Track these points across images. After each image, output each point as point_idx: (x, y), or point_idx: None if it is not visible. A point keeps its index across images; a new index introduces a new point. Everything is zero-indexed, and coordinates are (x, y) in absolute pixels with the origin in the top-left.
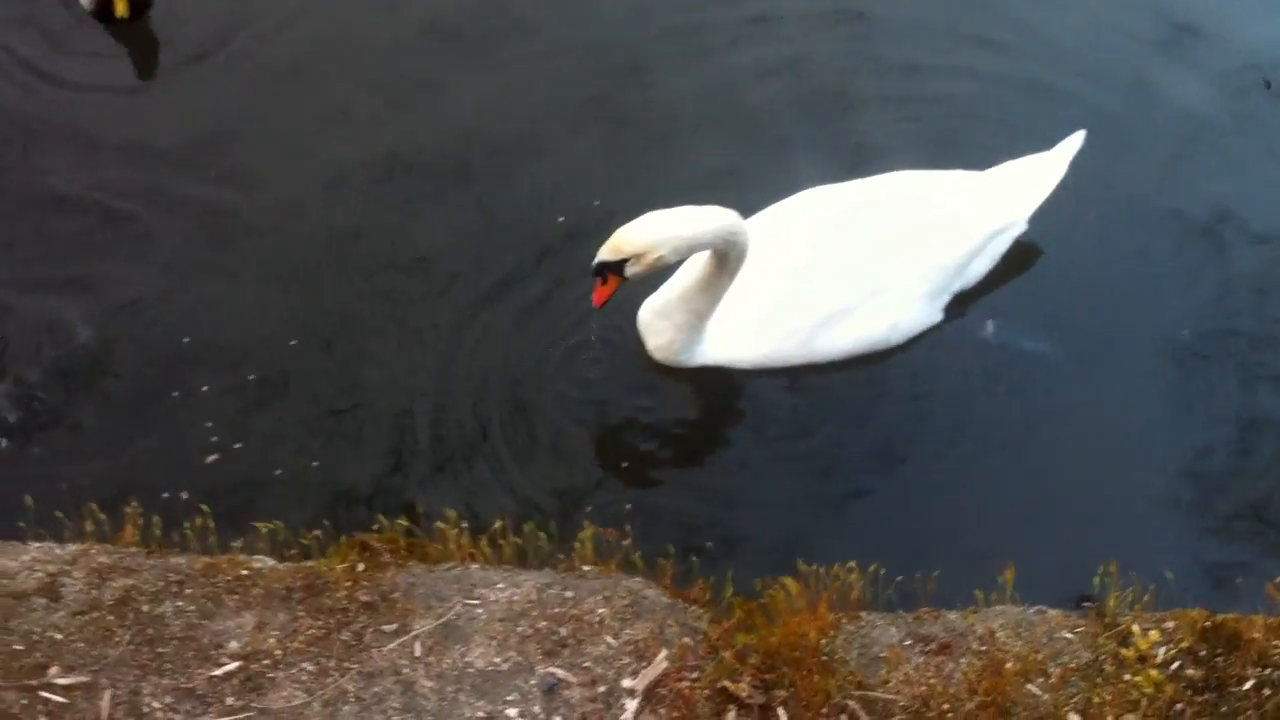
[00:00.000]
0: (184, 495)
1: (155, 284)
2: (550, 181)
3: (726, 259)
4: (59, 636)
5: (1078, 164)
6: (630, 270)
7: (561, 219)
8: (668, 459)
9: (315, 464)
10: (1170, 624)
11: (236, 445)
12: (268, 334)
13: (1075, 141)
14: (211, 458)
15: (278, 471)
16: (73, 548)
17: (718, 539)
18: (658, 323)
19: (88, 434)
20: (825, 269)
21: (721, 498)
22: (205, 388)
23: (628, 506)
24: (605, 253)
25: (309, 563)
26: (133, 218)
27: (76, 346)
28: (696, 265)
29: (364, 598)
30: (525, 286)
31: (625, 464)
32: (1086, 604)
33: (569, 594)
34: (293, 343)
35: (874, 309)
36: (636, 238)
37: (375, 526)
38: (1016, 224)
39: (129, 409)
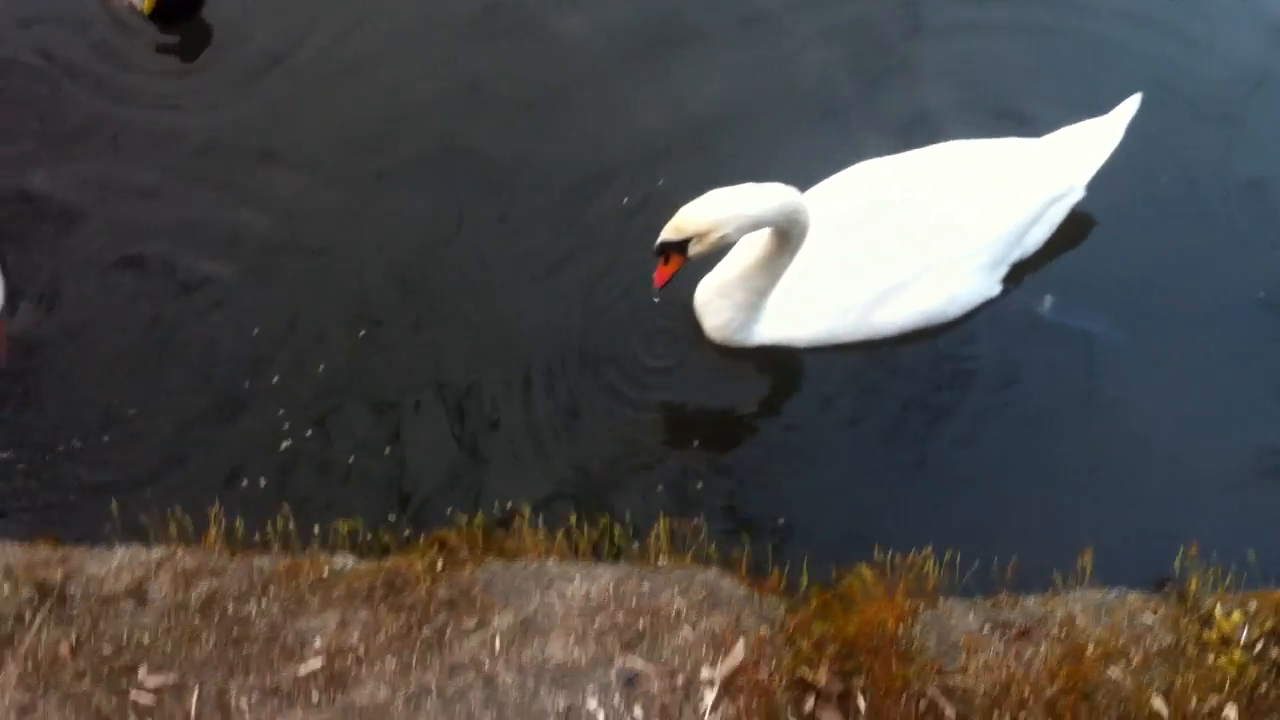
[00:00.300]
0: (262, 482)
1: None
2: (610, 160)
3: (789, 237)
4: (147, 639)
5: (1135, 128)
6: (693, 249)
7: (626, 199)
8: (735, 443)
9: (388, 452)
10: (1253, 605)
11: (308, 435)
12: (331, 325)
13: (1132, 105)
14: (284, 445)
15: (350, 460)
16: (159, 551)
17: (790, 526)
18: (717, 301)
19: (165, 436)
20: (880, 243)
21: (791, 482)
22: (275, 379)
23: (699, 486)
24: (669, 232)
25: (388, 560)
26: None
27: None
28: (755, 244)
29: (443, 594)
30: (589, 268)
31: (695, 446)
32: (1167, 586)
33: (645, 587)
34: (361, 333)
35: (931, 282)
36: (700, 217)
37: (450, 521)
38: (1074, 191)
39: (204, 404)
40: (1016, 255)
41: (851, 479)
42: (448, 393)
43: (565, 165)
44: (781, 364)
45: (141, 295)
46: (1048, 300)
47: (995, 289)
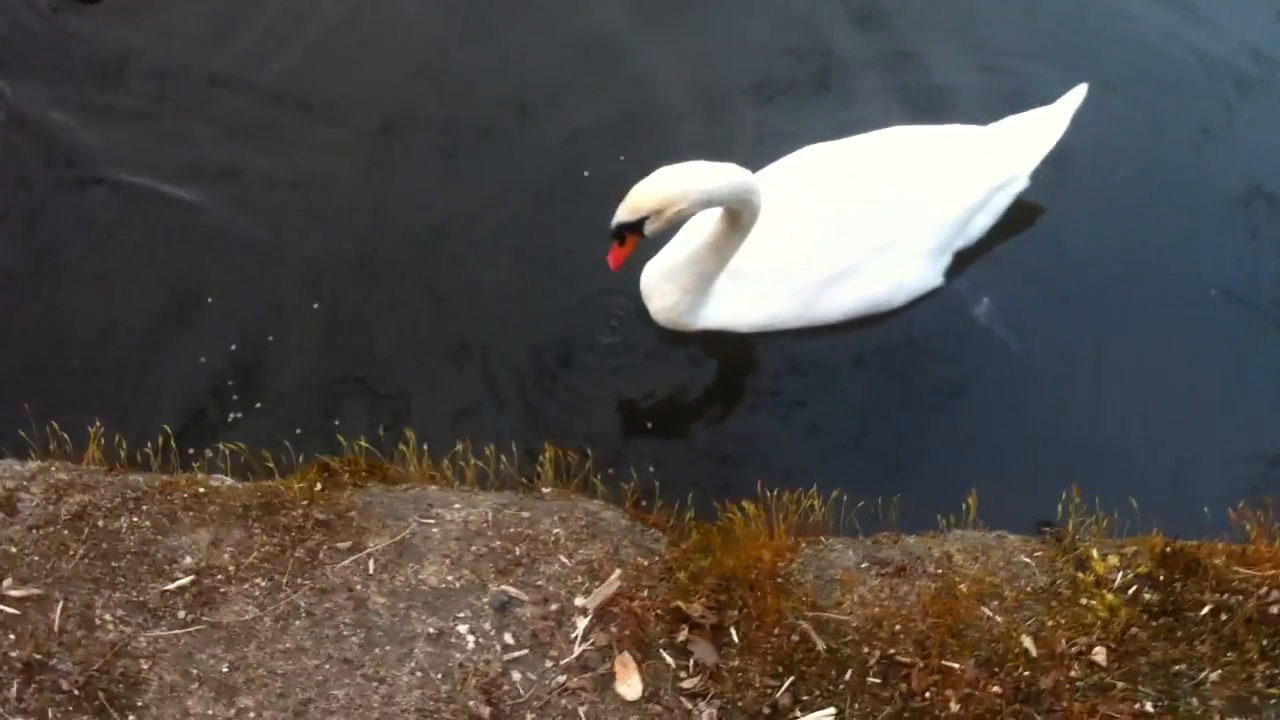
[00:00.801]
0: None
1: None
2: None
3: (739, 219)
4: (14, 550)
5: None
6: (650, 227)
7: (586, 173)
8: (653, 409)
9: (288, 384)
10: (1130, 550)
11: (204, 363)
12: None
13: (1077, 95)
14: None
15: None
16: (33, 464)
17: (680, 464)
18: (664, 284)
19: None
20: (826, 229)
21: (688, 429)
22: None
23: (592, 420)
24: (624, 213)
25: (268, 483)
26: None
27: None
28: (703, 227)
29: (320, 516)
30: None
31: (604, 394)
32: (1046, 529)
33: (525, 514)
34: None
35: (877, 268)
36: (656, 191)
37: (336, 447)
38: (1018, 179)
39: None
40: (960, 243)
41: (751, 431)
42: (361, 328)
43: None
44: (720, 346)
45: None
46: (984, 302)
47: (938, 279)
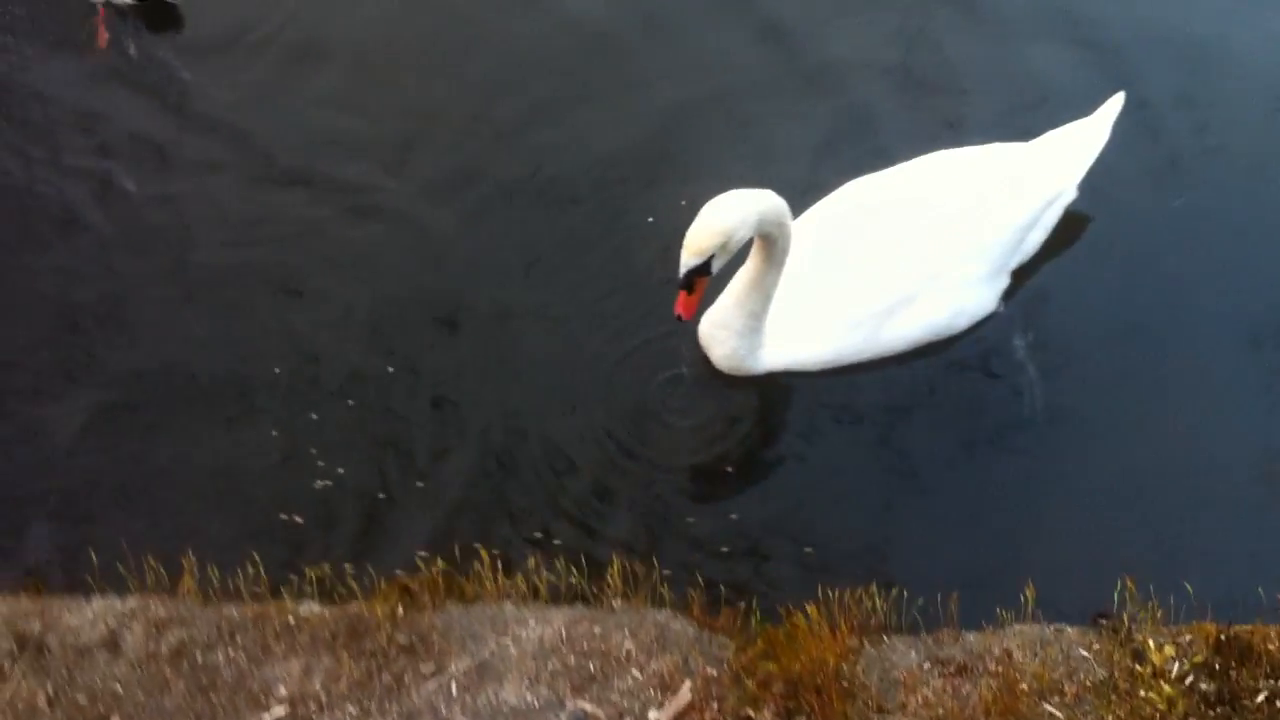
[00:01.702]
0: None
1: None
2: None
3: (774, 248)
4: (119, 688)
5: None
6: (717, 264)
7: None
8: (701, 488)
9: (359, 497)
10: (1186, 638)
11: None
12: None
13: (1116, 104)
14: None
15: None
16: (132, 601)
17: (744, 565)
18: (719, 333)
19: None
20: (882, 258)
21: (744, 524)
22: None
23: (657, 526)
24: (690, 257)
25: (352, 606)
26: None
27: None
28: (744, 270)
29: (402, 640)
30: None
31: (661, 489)
32: (1102, 620)
33: (597, 629)
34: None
35: (937, 294)
36: (715, 226)
37: (416, 566)
38: (1067, 192)
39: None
40: (1017, 261)
41: (806, 518)
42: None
43: None
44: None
45: None
46: (1019, 341)
47: (996, 302)
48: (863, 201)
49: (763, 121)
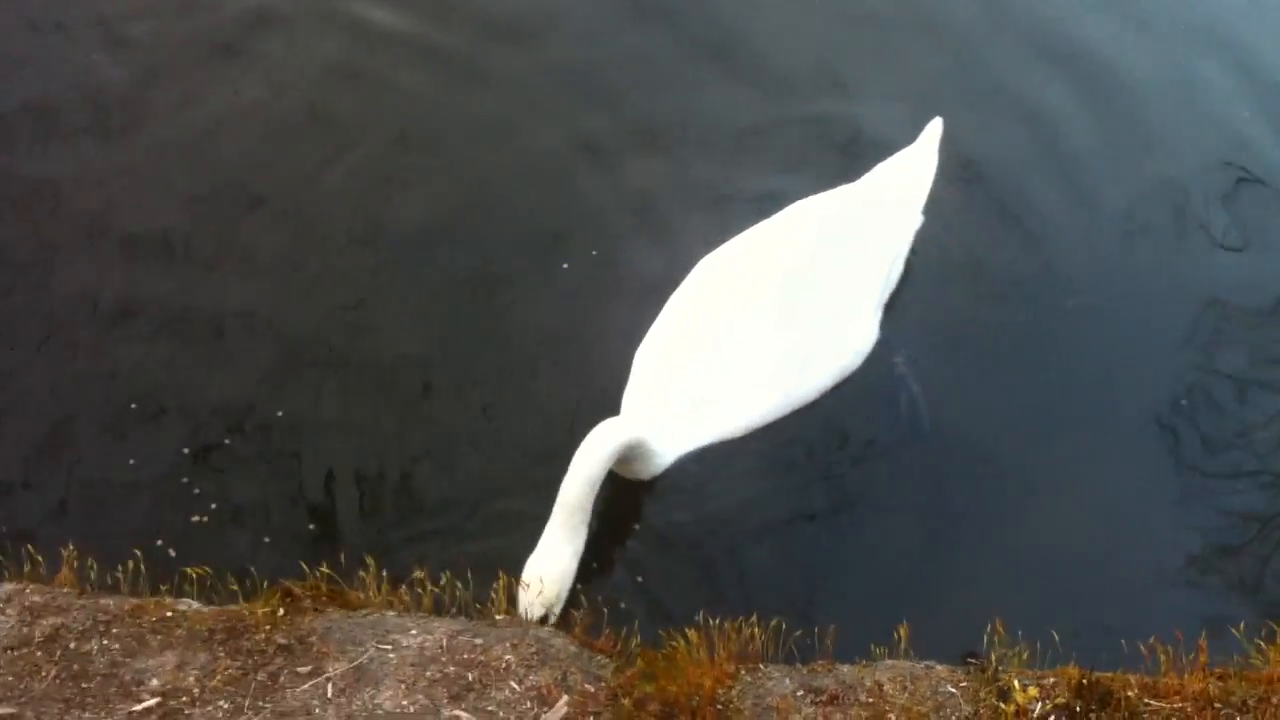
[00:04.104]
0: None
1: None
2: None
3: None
4: None
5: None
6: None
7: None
8: (599, 539)
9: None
10: (1050, 680)
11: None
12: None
13: (936, 128)
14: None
15: (206, 518)
16: (8, 586)
17: (632, 596)
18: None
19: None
20: (779, 320)
21: (630, 552)
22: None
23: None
24: (539, 611)
25: (233, 606)
26: None
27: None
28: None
29: (281, 640)
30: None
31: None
32: (971, 660)
33: (479, 641)
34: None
35: (838, 339)
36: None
37: (301, 572)
38: (918, 219)
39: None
40: (886, 294)
41: (693, 560)
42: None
43: None
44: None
45: None
46: (901, 355)
47: (877, 333)
48: (731, 274)
49: None
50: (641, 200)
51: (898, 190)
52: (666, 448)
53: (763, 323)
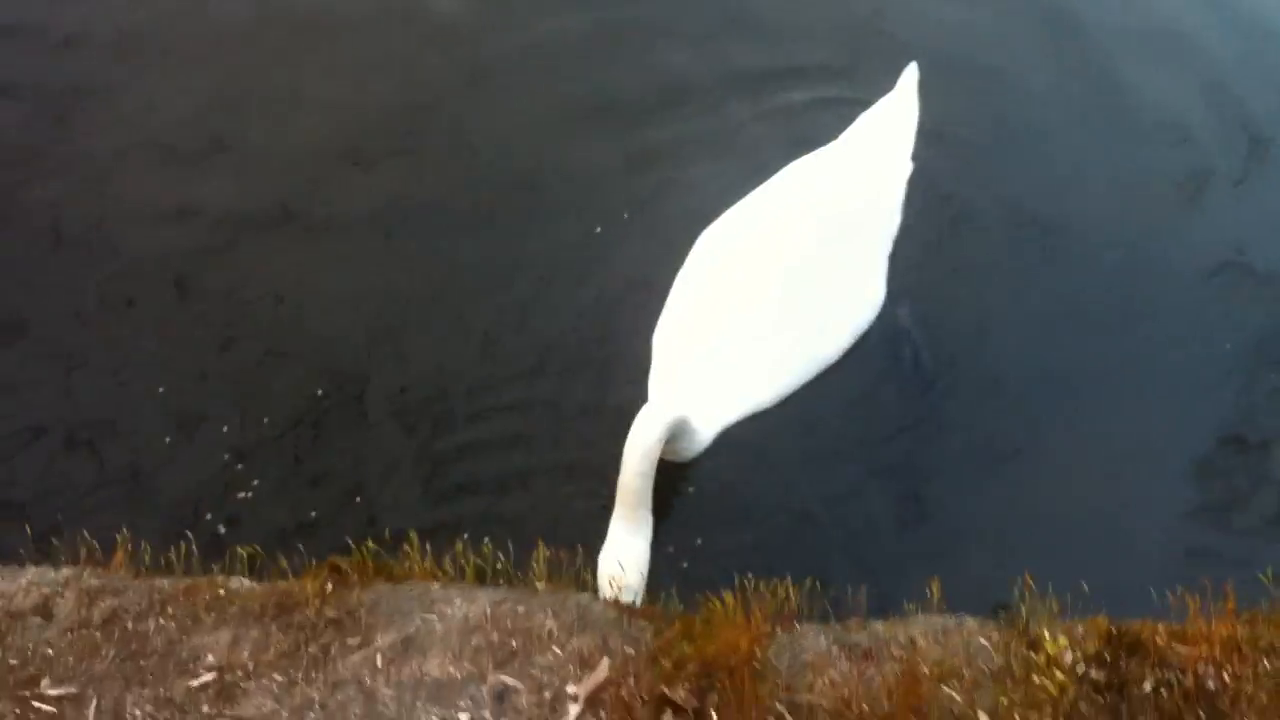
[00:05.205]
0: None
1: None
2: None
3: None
4: (50, 651)
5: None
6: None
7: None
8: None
9: (293, 480)
10: (1080, 630)
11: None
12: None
13: (911, 75)
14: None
15: (252, 494)
16: (66, 571)
17: (667, 556)
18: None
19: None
20: (797, 285)
21: (685, 534)
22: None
23: (582, 516)
24: (622, 594)
25: (282, 584)
26: None
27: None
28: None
29: (331, 614)
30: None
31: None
32: (1002, 612)
33: (521, 609)
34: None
35: (854, 297)
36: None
37: (345, 548)
38: (908, 167)
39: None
40: (890, 245)
41: (730, 525)
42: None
43: None
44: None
45: None
46: (906, 307)
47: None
48: (744, 247)
49: None
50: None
51: (885, 142)
52: (706, 424)
53: (780, 291)
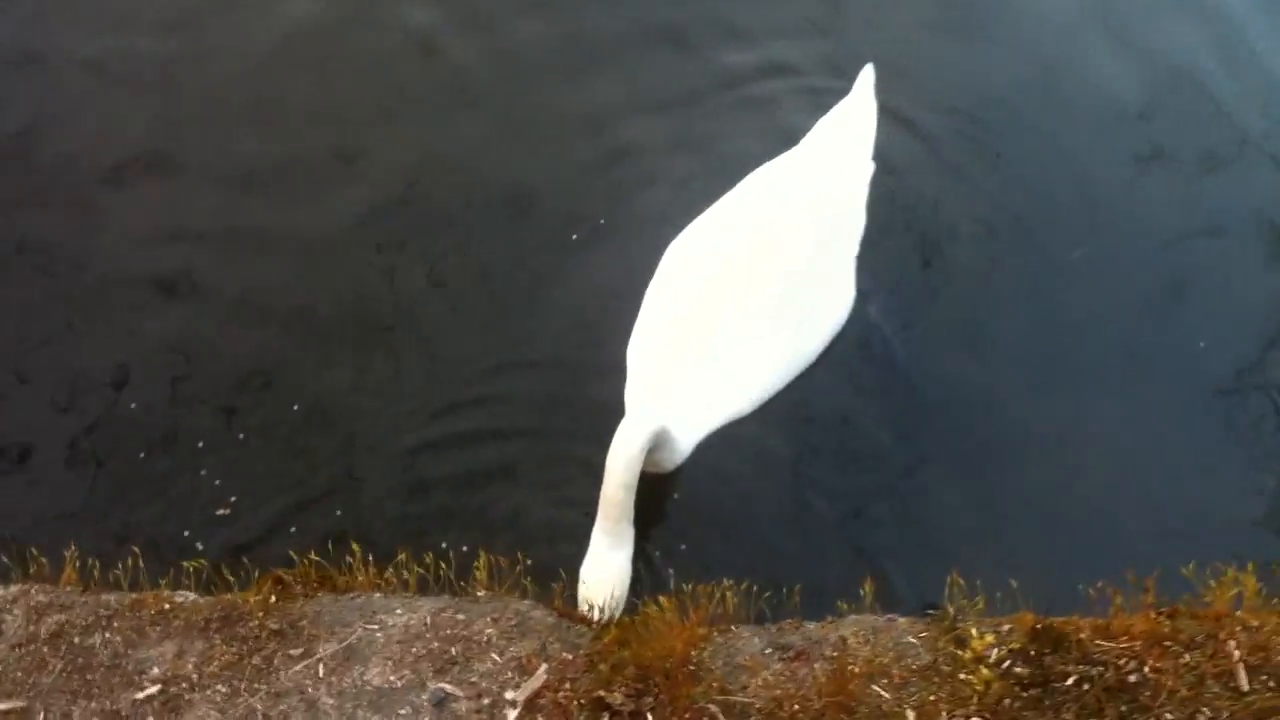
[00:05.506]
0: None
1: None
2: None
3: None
4: None
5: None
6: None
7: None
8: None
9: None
10: (1006, 627)
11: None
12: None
13: (868, 75)
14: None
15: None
16: (15, 588)
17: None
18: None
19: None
20: (773, 290)
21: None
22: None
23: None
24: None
25: (228, 596)
26: None
27: None
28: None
29: (274, 625)
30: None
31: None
32: (930, 611)
33: (461, 616)
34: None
35: (830, 296)
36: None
37: (290, 560)
38: (870, 167)
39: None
40: (858, 245)
41: (670, 529)
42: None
43: None
44: None
45: None
46: (874, 304)
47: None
48: (715, 255)
49: None
50: None
51: (846, 144)
52: (687, 434)
53: (754, 297)
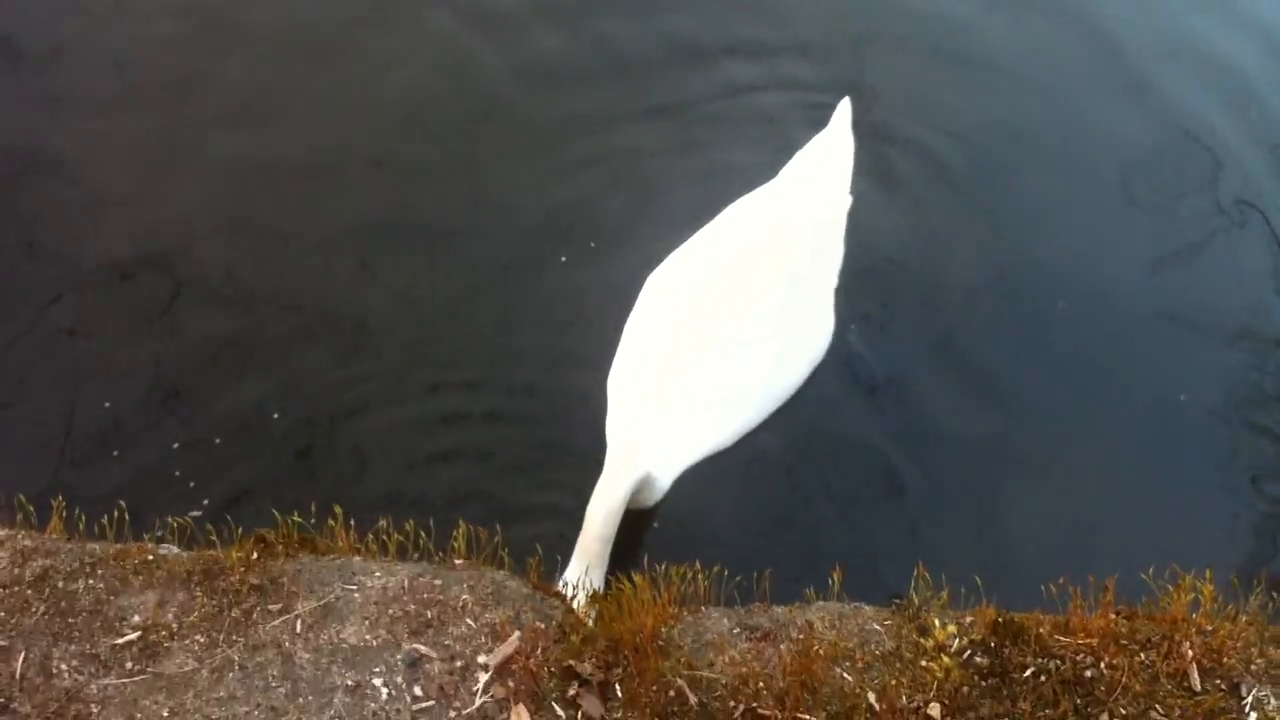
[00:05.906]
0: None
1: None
2: None
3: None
4: None
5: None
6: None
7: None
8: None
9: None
10: (968, 619)
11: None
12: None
13: (845, 109)
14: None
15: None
16: (1, 532)
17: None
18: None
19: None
20: (753, 324)
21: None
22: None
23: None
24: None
25: (210, 552)
26: None
27: None
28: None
29: (254, 581)
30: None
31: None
32: (896, 601)
33: (438, 582)
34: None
35: (809, 330)
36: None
37: (274, 521)
38: (848, 200)
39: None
40: (837, 278)
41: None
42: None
43: None
44: None
45: None
46: (853, 329)
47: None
48: (695, 289)
49: None
50: None
51: (825, 178)
52: (666, 472)
53: (735, 332)
